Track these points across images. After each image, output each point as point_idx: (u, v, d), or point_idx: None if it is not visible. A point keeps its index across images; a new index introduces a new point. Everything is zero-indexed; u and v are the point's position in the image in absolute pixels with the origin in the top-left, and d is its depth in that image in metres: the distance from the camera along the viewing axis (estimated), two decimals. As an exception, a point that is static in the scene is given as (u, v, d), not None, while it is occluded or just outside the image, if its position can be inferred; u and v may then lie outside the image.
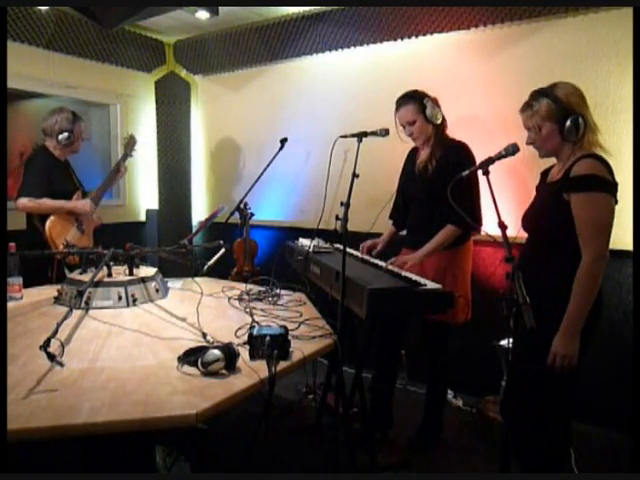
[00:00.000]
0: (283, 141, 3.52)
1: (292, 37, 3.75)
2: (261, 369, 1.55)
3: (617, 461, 2.51)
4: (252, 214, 3.76)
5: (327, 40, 3.64)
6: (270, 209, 4.18)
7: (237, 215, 3.65)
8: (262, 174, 3.53)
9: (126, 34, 4.05)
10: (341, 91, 3.77)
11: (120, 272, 2.27)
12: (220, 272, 2.99)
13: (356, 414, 2.46)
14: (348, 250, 1.97)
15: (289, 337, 1.70)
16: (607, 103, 2.75)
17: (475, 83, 3.18)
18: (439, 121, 2.47)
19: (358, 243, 2.73)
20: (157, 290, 2.28)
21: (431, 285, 1.97)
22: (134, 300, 2.14)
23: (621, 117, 2.71)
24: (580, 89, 1.82)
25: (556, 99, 1.77)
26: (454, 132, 2.56)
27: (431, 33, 3.25)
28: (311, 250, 2.55)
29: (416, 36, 3.31)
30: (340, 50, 3.70)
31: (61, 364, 1.47)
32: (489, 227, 2.09)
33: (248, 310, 2.16)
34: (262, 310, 2.21)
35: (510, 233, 1.68)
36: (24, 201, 2.86)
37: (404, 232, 2.73)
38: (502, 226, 1.67)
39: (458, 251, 2.47)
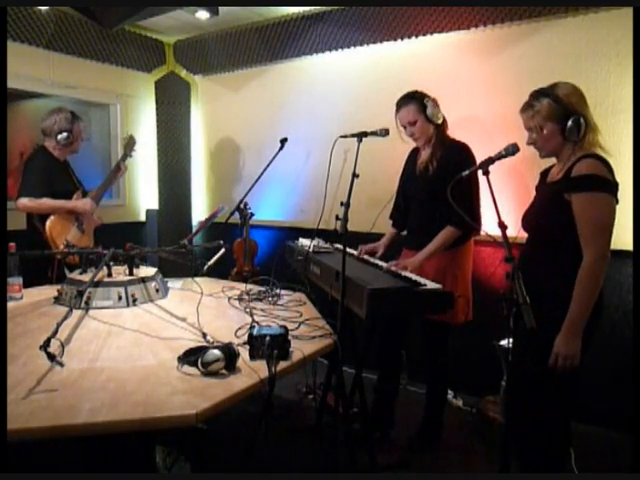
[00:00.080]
0: (283, 141, 3.52)
1: (292, 37, 3.75)
2: (261, 369, 1.55)
3: (617, 461, 2.51)
4: (252, 214, 3.76)
5: (327, 40, 3.64)
6: (270, 209, 4.18)
7: (237, 215, 3.65)
8: (262, 174, 3.53)
9: (126, 34, 4.05)
10: (341, 91, 3.77)
11: (120, 272, 2.27)
12: (220, 272, 2.99)
13: (356, 414, 2.46)
14: (348, 250, 1.97)
15: (289, 337, 1.70)
16: (607, 103, 2.75)
17: (475, 83, 3.18)
18: (440, 121, 2.47)
19: (358, 243, 2.73)
20: (157, 290, 2.28)
21: (431, 285, 1.97)
22: (134, 300, 2.14)
23: (621, 117, 2.71)
24: (580, 89, 1.82)
25: (557, 99, 1.77)
26: (454, 132, 2.56)
27: (431, 33, 3.25)
28: (311, 250, 2.55)
29: (416, 36, 3.31)
30: (340, 50, 3.70)
31: (61, 364, 1.47)
32: (489, 227, 2.09)
33: (248, 310, 2.16)
34: (262, 310, 2.21)
35: (510, 233, 1.68)
36: (24, 201, 2.86)
37: (404, 232, 2.73)
38: (502, 226, 1.67)
39: (458, 251, 2.47)
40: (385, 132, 2.21)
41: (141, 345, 1.74)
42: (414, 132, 2.49)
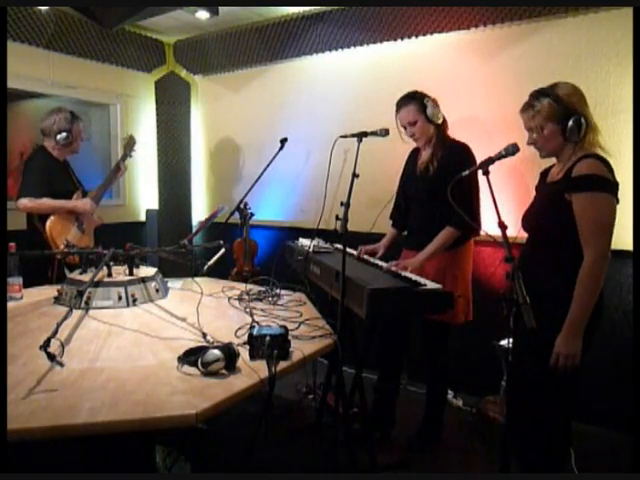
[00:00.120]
0: (283, 141, 3.52)
1: (292, 37, 3.75)
2: (261, 369, 1.55)
3: (617, 461, 2.51)
4: (252, 214, 3.76)
5: (327, 40, 3.64)
6: (270, 209, 4.18)
7: (237, 215, 3.65)
8: (262, 174, 3.53)
9: (126, 34, 4.05)
10: (341, 91, 3.77)
11: (120, 272, 2.27)
12: (220, 272, 2.99)
13: (356, 414, 2.46)
14: (348, 250, 1.97)
15: (289, 337, 1.70)
16: (607, 103, 2.75)
17: (475, 83, 3.18)
18: (440, 121, 2.47)
19: (358, 243, 2.72)
20: (157, 290, 2.28)
21: (431, 285, 1.97)
22: (134, 300, 2.14)
23: (621, 117, 2.71)
24: (580, 89, 1.82)
25: (557, 99, 1.77)
26: (454, 132, 2.56)
27: (431, 33, 3.25)
28: (311, 250, 2.55)
29: (416, 36, 3.31)
30: (340, 50, 3.70)
31: (61, 364, 1.47)
32: (489, 227, 2.09)
33: (248, 310, 2.16)
34: (262, 310, 2.21)
35: (510, 233, 1.68)
36: (25, 201, 2.86)
37: (404, 233, 2.73)
38: (502, 226, 1.67)
39: (458, 252, 2.47)
40: (385, 132, 2.21)
41: (141, 345, 1.74)
42: (414, 132, 2.49)
